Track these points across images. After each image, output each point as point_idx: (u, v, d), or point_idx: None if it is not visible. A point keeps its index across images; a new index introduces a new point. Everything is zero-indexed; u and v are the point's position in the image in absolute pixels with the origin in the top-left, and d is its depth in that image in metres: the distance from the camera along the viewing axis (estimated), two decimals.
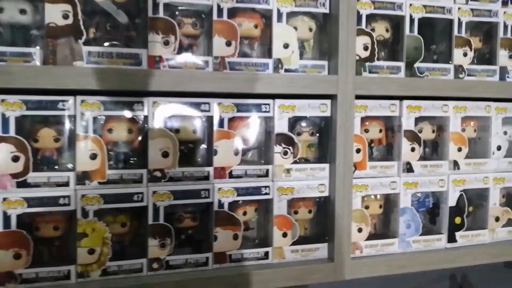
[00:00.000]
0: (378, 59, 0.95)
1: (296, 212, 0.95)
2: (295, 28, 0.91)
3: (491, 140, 1.04)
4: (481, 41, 1.06)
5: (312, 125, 0.95)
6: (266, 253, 0.91)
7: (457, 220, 1.02)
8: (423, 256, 0.99)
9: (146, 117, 0.83)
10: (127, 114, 0.83)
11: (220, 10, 0.86)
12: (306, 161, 0.96)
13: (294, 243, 0.92)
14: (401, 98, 0.96)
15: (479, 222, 1.08)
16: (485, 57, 1.07)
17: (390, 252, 0.98)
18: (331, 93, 0.89)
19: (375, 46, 0.93)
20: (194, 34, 0.91)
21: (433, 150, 1.05)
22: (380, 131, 0.99)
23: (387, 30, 0.98)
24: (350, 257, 0.93)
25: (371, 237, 0.98)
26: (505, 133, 1.09)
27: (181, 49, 0.87)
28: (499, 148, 1.05)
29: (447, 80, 0.97)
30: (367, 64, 0.93)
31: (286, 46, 0.90)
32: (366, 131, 0.98)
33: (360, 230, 0.95)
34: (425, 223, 1.04)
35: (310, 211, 0.96)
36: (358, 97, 0.92)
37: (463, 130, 1.05)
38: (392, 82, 0.93)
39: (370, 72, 0.93)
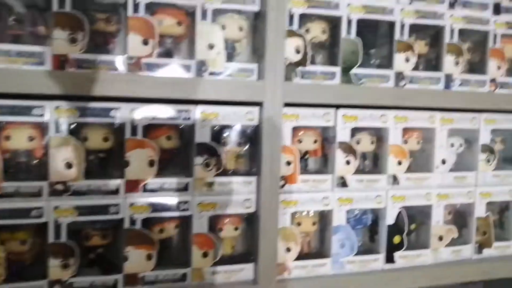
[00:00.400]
0: (314, 63, 1.00)
1: (220, 230, 0.99)
2: (223, 27, 0.95)
3: (435, 153, 1.11)
4: (427, 45, 1.12)
5: (240, 135, 0.99)
6: (184, 275, 0.94)
7: (396, 239, 1.09)
8: (358, 278, 1.04)
9: (46, 123, 0.85)
10: (26, 119, 0.85)
11: (136, 5, 0.88)
12: (235, 173, 1.00)
13: (216, 264, 0.96)
14: (337, 106, 1.02)
15: (422, 241, 1.15)
16: (432, 63, 1.13)
17: (322, 274, 1.03)
18: (256, 100, 0.93)
19: (308, 49, 0.98)
20: (108, 31, 0.93)
21: (374, 163, 1.11)
22: (315, 141, 1.04)
23: (323, 32, 1.02)
24: (275, 279, 0.98)
25: (303, 257, 1.02)
26: (452, 145, 1.16)
27: (95, 48, 0.89)
28: (443, 161, 1.12)
29: (386, 88, 1.03)
30: (298, 69, 0.97)
31: (211, 46, 0.93)
32: (300, 141, 1.03)
33: (288, 249, 1.00)
34: (365, 241, 1.10)
35: (236, 228, 1.00)
36: (289, 104, 0.97)
37: (405, 141, 1.11)
38: (326, 89, 0.98)
39: (302, 77, 0.98)
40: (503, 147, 1.21)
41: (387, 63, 1.05)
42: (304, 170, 1.05)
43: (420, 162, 1.13)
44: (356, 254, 1.04)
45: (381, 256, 1.07)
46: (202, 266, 0.95)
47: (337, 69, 0.99)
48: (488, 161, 1.15)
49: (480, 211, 1.15)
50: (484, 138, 1.14)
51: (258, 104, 0.93)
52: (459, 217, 1.19)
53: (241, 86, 0.91)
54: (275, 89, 0.93)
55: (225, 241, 0.99)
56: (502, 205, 1.22)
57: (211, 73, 0.92)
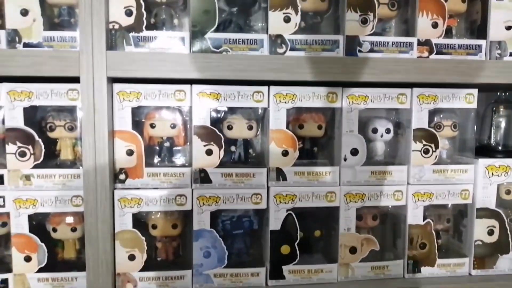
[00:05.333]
0: (157, 28, 0.78)
1: (54, 230, 0.81)
2: None
3: (341, 140, 0.83)
4: (324, 1, 0.83)
5: (67, 118, 0.80)
6: (5, 281, 0.79)
7: (284, 249, 0.83)
8: None
9: None
10: None
11: None
12: (73, 164, 0.82)
13: (42, 270, 0.79)
14: (191, 81, 0.78)
15: (327, 253, 0.87)
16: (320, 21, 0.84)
17: None
18: (72, 74, 0.73)
19: (143, 10, 0.76)
20: None
21: (255, 153, 0.86)
22: (173, 126, 0.82)
23: None
24: None
25: (158, 267, 0.82)
26: (374, 131, 0.87)
27: None
28: (354, 152, 0.83)
29: (259, 57, 0.77)
30: (131, 35, 0.76)
31: (24, 12, 0.75)
32: (153, 126, 0.82)
33: (132, 257, 0.79)
34: (245, 250, 0.86)
35: (74, 229, 0.82)
36: (116, 80, 0.76)
37: (300, 126, 0.84)
38: (167, 59, 0.75)
39: (136, 46, 0.76)
40: (455, 134, 0.88)
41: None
42: (169, 161, 0.83)
43: (325, 152, 0.85)
44: (228, 266, 0.80)
45: (262, 270, 0.82)
46: (25, 272, 0.78)
47: (185, 34, 0.76)
48: (426, 151, 0.83)
49: (415, 216, 0.84)
50: (419, 121, 0.83)
51: (76, 79, 0.73)
52: (392, 224, 0.89)
53: (47, 58, 0.72)
54: (96, 60, 0.73)
55: (66, 244, 0.82)
56: (458, 210, 0.89)
57: (26, 44, 0.74)
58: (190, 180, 0.80)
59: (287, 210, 0.81)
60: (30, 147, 0.77)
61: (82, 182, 0.76)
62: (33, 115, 0.78)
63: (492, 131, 0.93)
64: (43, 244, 0.79)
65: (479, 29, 0.85)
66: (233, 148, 0.84)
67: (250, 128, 0.82)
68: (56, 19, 0.78)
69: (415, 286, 0.84)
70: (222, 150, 0.79)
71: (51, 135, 0.80)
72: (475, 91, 0.84)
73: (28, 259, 0.78)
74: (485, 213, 0.86)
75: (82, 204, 0.77)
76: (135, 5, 0.75)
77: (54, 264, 0.80)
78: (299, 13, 0.78)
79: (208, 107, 0.78)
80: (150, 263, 0.80)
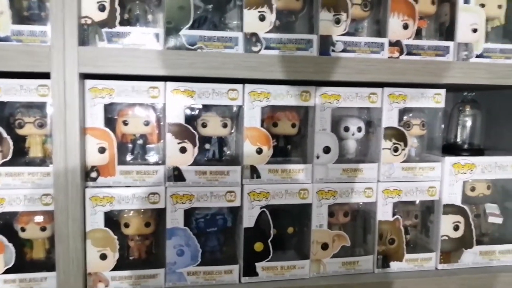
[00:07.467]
0: (130, 24, 0.76)
1: (23, 229, 0.78)
2: None
3: (314, 138, 0.83)
4: (299, 0, 0.83)
5: (36, 114, 0.77)
6: None
7: (258, 246, 0.82)
8: None
9: None
10: None
11: None
12: (43, 162, 0.79)
13: (9, 271, 0.76)
14: (165, 78, 0.77)
15: (300, 250, 0.88)
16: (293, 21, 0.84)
17: (152, 287, 0.79)
18: (42, 70, 0.71)
19: (116, 5, 0.73)
20: None
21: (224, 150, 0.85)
22: (147, 123, 0.80)
23: None
24: None
25: (130, 266, 0.80)
26: (346, 129, 0.87)
27: None
28: (326, 150, 0.83)
29: (234, 55, 0.76)
30: (104, 30, 0.73)
31: None
32: (126, 123, 0.80)
33: (103, 256, 0.77)
34: (218, 248, 0.85)
35: (44, 229, 0.79)
36: (88, 76, 0.74)
37: (275, 124, 0.84)
38: (140, 56, 0.73)
39: (109, 42, 0.74)
40: (423, 132, 0.89)
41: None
42: (141, 158, 0.81)
43: (298, 149, 0.85)
44: (201, 264, 0.79)
45: (236, 267, 0.81)
46: None
47: (159, 31, 0.74)
48: (396, 150, 0.84)
49: (384, 213, 0.85)
50: (389, 120, 0.84)
51: (46, 75, 0.70)
52: (363, 221, 0.89)
53: (18, 52, 0.69)
54: (67, 55, 0.70)
55: (35, 244, 0.79)
56: (425, 207, 0.91)
57: None
58: (163, 178, 0.78)
59: (261, 208, 0.81)
60: None
61: (52, 180, 0.73)
62: (1, 111, 0.75)
63: (459, 130, 0.95)
64: (10, 244, 0.76)
65: (447, 30, 0.86)
66: (207, 146, 0.82)
67: (224, 126, 0.81)
68: (26, 12, 0.75)
69: (384, 280, 0.85)
70: (196, 148, 0.78)
71: (20, 132, 0.77)
72: (443, 91, 0.86)
73: None
74: (451, 209, 0.88)
75: (52, 203, 0.75)
76: (108, 0, 0.73)
77: (22, 264, 0.77)
78: (274, 11, 0.77)
79: (182, 104, 0.77)
80: (122, 262, 0.79)
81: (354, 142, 0.89)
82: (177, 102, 0.77)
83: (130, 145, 0.81)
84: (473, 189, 0.90)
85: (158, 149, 0.81)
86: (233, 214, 0.84)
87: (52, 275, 0.76)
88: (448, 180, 0.87)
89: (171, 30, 0.74)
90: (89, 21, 0.72)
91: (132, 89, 0.75)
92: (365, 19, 0.86)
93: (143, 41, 0.74)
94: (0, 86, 0.72)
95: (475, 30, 0.84)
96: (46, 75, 0.71)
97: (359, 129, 0.87)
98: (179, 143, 0.77)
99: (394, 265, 0.88)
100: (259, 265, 0.82)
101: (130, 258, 0.82)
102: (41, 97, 0.73)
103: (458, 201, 0.88)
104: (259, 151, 0.80)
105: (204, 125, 0.80)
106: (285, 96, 0.79)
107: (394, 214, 0.87)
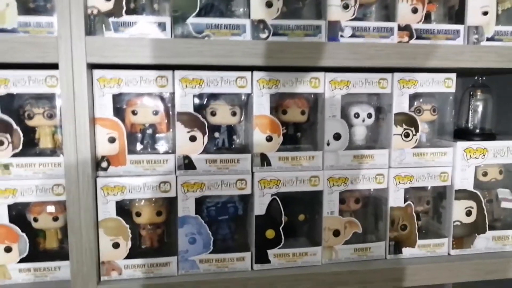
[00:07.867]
0: (136, 13, 0.75)
1: (36, 220, 0.79)
2: None
3: (324, 125, 0.82)
4: None
5: (45, 105, 0.77)
6: None
7: (269, 233, 0.82)
8: (215, 281, 0.80)
9: None
10: None
11: None
12: (53, 152, 0.79)
13: (24, 260, 0.77)
14: (172, 67, 0.76)
15: (312, 237, 0.87)
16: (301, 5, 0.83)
17: (164, 275, 0.80)
18: (49, 61, 0.70)
19: None
20: None
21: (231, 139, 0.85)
22: (155, 113, 0.80)
23: None
24: (95, 281, 0.76)
25: (141, 254, 0.80)
26: (356, 116, 0.86)
27: None
28: (337, 136, 0.83)
29: (241, 42, 0.76)
30: (111, 20, 0.73)
31: None
32: (134, 112, 0.79)
33: (116, 245, 0.78)
34: (230, 235, 0.85)
35: (56, 219, 0.79)
36: (96, 66, 0.73)
37: (284, 111, 0.84)
38: (148, 45, 0.72)
39: (116, 31, 0.73)
40: (434, 118, 0.88)
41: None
42: (151, 148, 0.81)
43: (308, 137, 0.84)
44: (213, 252, 0.79)
45: (248, 255, 0.81)
46: (6, 262, 0.76)
47: (166, 19, 0.73)
48: (407, 135, 0.83)
49: (396, 199, 0.85)
50: (400, 105, 0.83)
51: (54, 65, 0.70)
52: (374, 207, 0.89)
53: (24, 43, 0.69)
54: (74, 46, 0.70)
55: (48, 234, 0.79)
56: (437, 193, 0.90)
57: (2, 30, 0.71)
58: (174, 166, 0.78)
59: (272, 195, 0.81)
60: (8, 135, 0.74)
61: (63, 171, 0.74)
62: (10, 103, 0.75)
63: (470, 114, 0.94)
64: (24, 234, 0.76)
65: (457, 14, 0.85)
66: (216, 134, 0.82)
67: (233, 114, 0.81)
68: (31, 3, 0.75)
69: (397, 266, 0.85)
70: (206, 137, 0.78)
71: (30, 123, 0.77)
72: (453, 76, 0.85)
73: (8, 249, 0.76)
74: (463, 194, 0.87)
75: (63, 193, 0.75)
76: None
77: (36, 254, 0.78)
78: None
79: (190, 93, 0.76)
80: (134, 251, 0.79)
81: (364, 128, 0.88)
82: (185, 91, 0.76)
83: (139, 135, 0.81)
84: (485, 174, 0.89)
85: (168, 138, 0.81)
86: (244, 202, 0.84)
87: (65, 264, 0.77)
88: (460, 165, 0.86)
89: (178, 18, 0.74)
90: (95, 11, 0.72)
91: (140, 79, 0.75)
92: (373, 4, 0.84)
93: (150, 30, 0.73)
94: (9, 78, 0.72)
95: (485, 13, 0.83)
96: (54, 66, 0.70)
97: (369, 115, 0.86)
98: (188, 132, 0.77)
99: (406, 251, 0.88)
100: (271, 252, 0.82)
101: (142, 247, 0.82)
102: (49, 88, 0.73)
103: (470, 186, 0.87)
104: (269, 139, 0.80)
105: (213, 114, 0.80)
106: (294, 83, 0.79)
107: (405, 200, 0.86)
